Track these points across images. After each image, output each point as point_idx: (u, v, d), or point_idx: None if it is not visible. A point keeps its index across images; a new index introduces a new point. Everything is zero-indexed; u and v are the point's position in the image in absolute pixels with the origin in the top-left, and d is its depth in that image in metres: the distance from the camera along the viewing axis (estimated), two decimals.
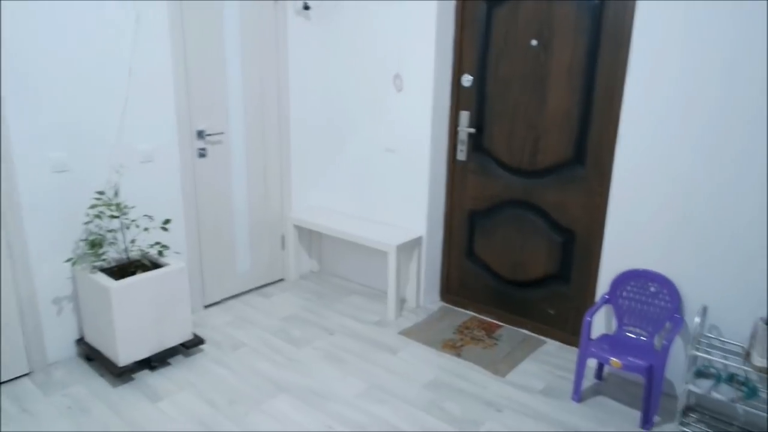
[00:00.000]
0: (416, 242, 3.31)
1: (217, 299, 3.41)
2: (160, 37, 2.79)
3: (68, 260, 2.50)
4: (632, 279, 2.56)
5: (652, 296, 2.51)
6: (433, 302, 3.52)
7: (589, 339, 2.48)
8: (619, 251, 2.59)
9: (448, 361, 2.83)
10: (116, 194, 2.56)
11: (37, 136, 2.44)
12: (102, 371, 2.64)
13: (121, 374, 2.52)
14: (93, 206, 2.48)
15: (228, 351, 2.87)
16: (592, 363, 2.75)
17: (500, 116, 3.04)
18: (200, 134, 3.09)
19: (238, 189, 3.38)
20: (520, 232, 3.10)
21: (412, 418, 2.36)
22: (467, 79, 3.14)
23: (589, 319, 2.46)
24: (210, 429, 2.26)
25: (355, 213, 3.67)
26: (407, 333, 3.10)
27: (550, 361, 2.85)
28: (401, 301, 3.50)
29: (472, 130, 3.16)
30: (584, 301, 2.92)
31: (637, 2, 2.34)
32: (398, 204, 3.42)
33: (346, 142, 3.60)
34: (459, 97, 3.20)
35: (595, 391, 2.59)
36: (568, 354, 2.93)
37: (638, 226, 2.51)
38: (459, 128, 3.22)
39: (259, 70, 3.33)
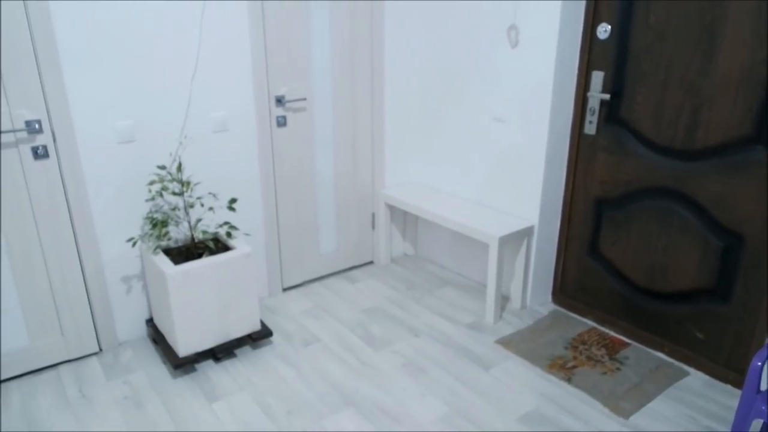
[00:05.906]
0: (526, 232, 2.73)
1: (298, 282, 3.12)
2: None
3: (129, 240, 2.31)
4: None
5: None
6: (543, 304, 2.93)
7: (758, 391, 1.80)
8: None
9: (555, 387, 2.28)
10: (179, 169, 2.30)
11: (102, 105, 2.23)
12: (165, 357, 2.47)
13: (180, 365, 2.31)
14: (152, 182, 2.24)
15: (299, 347, 2.57)
16: (758, 424, 2.04)
17: (647, 78, 2.32)
18: (279, 101, 2.74)
19: (322, 161, 3.01)
20: (663, 229, 2.39)
21: None
22: (604, 30, 2.43)
23: (759, 363, 1.77)
24: None
25: (457, 192, 3.14)
26: (506, 343, 2.58)
27: (693, 402, 2.18)
28: (503, 300, 2.95)
29: (607, 96, 2.46)
30: (750, 329, 2.18)
31: None
32: (507, 185, 2.84)
33: (450, 109, 3.06)
34: (591, 53, 2.51)
35: None
36: (720, 394, 2.23)
37: None
38: (589, 93, 2.54)
39: (349, 27, 2.87)
